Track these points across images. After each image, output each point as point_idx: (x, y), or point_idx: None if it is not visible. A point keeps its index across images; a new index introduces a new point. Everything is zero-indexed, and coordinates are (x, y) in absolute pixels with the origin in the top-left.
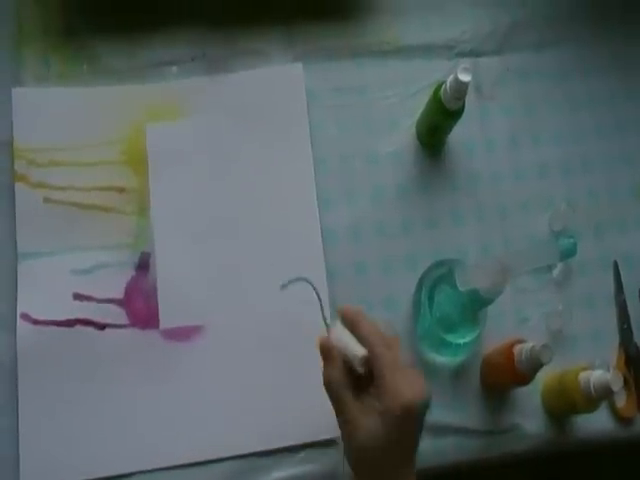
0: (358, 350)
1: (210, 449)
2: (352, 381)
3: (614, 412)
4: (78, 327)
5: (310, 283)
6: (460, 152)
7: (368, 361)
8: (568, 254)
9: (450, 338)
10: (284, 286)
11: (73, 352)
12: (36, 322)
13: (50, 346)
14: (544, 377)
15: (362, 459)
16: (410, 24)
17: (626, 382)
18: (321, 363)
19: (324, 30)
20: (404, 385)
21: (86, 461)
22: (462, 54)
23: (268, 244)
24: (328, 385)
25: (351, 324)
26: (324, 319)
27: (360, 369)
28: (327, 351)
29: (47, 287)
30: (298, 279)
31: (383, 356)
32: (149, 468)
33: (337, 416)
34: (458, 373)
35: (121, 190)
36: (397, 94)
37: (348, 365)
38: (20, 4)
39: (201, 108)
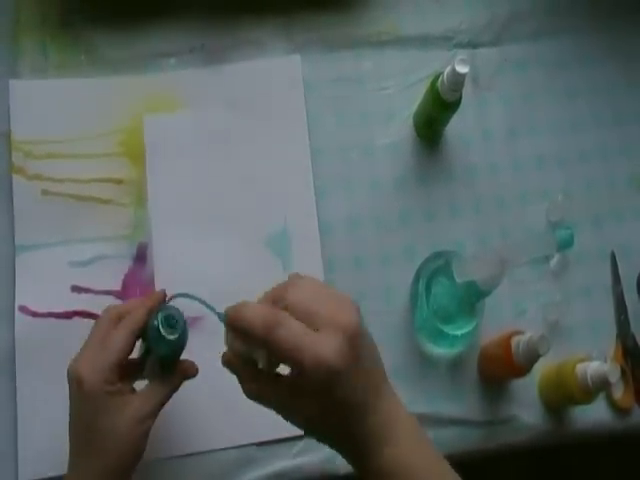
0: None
1: (207, 440)
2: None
3: (611, 403)
4: (76, 319)
5: (194, 297)
6: (457, 143)
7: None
8: (565, 245)
9: (447, 329)
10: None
11: (71, 344)
12: (34, 314)
13: (48, 338)
14: (541, 368)
15: (320, 432)
16: (408, 15)
17: (623, 373)
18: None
19: (322, 21)
20: (323, 347)
21: None
22: (460, 45)
23: (266, 235)
24: (252, 393)
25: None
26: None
27: (262, 363)
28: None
29: (45, 279)
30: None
31: (279, 339)
32: (146, 459)
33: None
34: (456, 364)
35: (119, 182)
36: (395, 85)
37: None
38: None
39: (199, 99)
